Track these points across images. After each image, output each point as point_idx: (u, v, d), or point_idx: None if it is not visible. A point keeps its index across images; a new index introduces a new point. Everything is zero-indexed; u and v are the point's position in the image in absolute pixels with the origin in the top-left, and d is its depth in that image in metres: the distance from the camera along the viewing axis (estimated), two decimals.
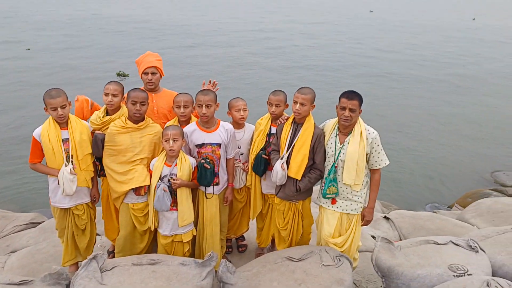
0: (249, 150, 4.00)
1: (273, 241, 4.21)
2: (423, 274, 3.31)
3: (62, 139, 3.52)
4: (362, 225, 3.64)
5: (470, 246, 3.63)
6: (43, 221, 5.66)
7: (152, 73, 3.92)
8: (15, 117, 9.99)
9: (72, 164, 3.53)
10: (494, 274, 3.52)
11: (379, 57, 17.74)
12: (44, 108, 3.48)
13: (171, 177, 3.50)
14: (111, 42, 17.01)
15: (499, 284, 2.99)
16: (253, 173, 3.90)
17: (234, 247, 4.54)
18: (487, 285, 2.98)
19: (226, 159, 3.81)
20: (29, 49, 15.06)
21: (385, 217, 5.65)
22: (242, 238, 4.57)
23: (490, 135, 10.39)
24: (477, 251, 3.58)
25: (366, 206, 3.59)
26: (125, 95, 3.74)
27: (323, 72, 14.84)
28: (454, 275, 3.27)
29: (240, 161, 4.01)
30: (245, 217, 4.37)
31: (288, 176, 3.59)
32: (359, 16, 29.02)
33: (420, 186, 8.12)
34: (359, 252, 3.92)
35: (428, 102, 12.19)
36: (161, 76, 4.02)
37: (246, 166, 4.00)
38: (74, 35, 18.08)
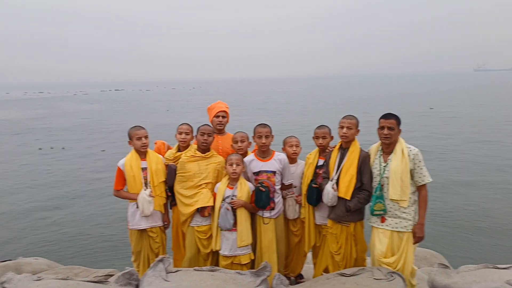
0: (301, 183, 4.34)
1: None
2: None
3: (141, 168, 4.15)
4: (414, 243, 3.67)
5: None
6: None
7: (222, 117, 4.60)
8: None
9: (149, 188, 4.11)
10: None
11: None
12: (129, 141, 4.19)
13: (232, 198, 3.92)
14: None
15: None
16: (307, 206, 4.19)
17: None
18: None
19: (282, 184, 4.18)
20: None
21: None
22: (300, 276, 4.67)
23: None
24: None
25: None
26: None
27: None
28: None
29: (293, 193, 4.33)
30: (300, 256, 4.55)
31: (338, 197, 3.84)
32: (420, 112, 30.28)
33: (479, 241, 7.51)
34: None
35: None
36: (227, 121, 4.67)
37: (300, 199, 4.30)
38: None
